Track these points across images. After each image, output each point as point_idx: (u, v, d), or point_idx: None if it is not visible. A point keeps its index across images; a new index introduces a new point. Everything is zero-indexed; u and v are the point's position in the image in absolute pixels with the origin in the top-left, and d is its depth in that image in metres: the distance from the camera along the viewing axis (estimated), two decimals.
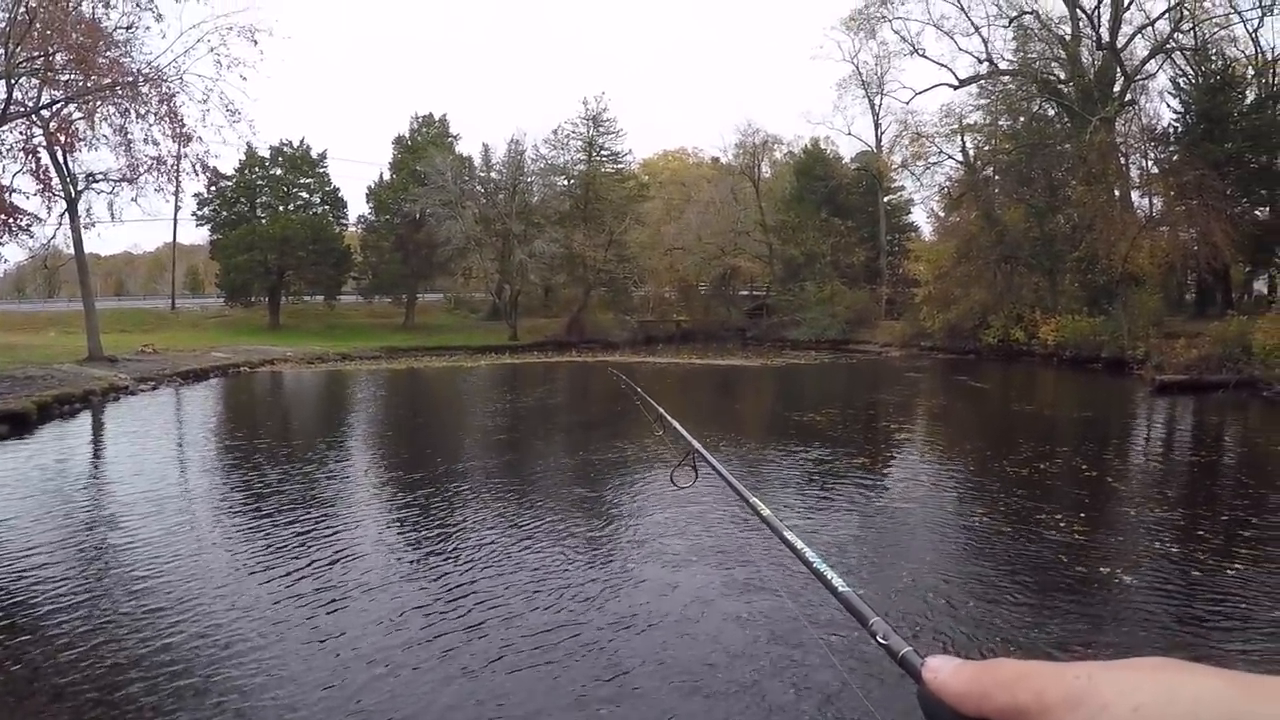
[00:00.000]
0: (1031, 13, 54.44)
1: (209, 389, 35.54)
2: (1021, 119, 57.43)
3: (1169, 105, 53.58)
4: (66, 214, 36.14)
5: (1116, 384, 37.33)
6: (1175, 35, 50.02)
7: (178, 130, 34.71)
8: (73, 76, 32.43)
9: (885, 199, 75.44)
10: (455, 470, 18.35)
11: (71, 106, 33.65)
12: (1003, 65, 57.10)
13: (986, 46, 56.91)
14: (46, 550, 12.10)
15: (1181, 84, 51.60)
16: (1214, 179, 43.31)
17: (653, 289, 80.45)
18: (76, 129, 33.71)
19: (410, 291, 72.52)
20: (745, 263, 77.94)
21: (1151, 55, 52.24)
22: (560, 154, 73.10)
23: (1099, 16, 52.30)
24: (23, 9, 29.73)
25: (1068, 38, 53.68)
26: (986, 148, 60.10)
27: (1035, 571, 11.28)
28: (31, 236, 34.35)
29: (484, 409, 30.62)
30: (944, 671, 0.76)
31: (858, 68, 69.69)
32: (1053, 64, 55.74)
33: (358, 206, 79.67)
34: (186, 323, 65.68)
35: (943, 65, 60.44)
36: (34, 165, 33.00)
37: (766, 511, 1.90)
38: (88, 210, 37.09)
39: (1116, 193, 50.09)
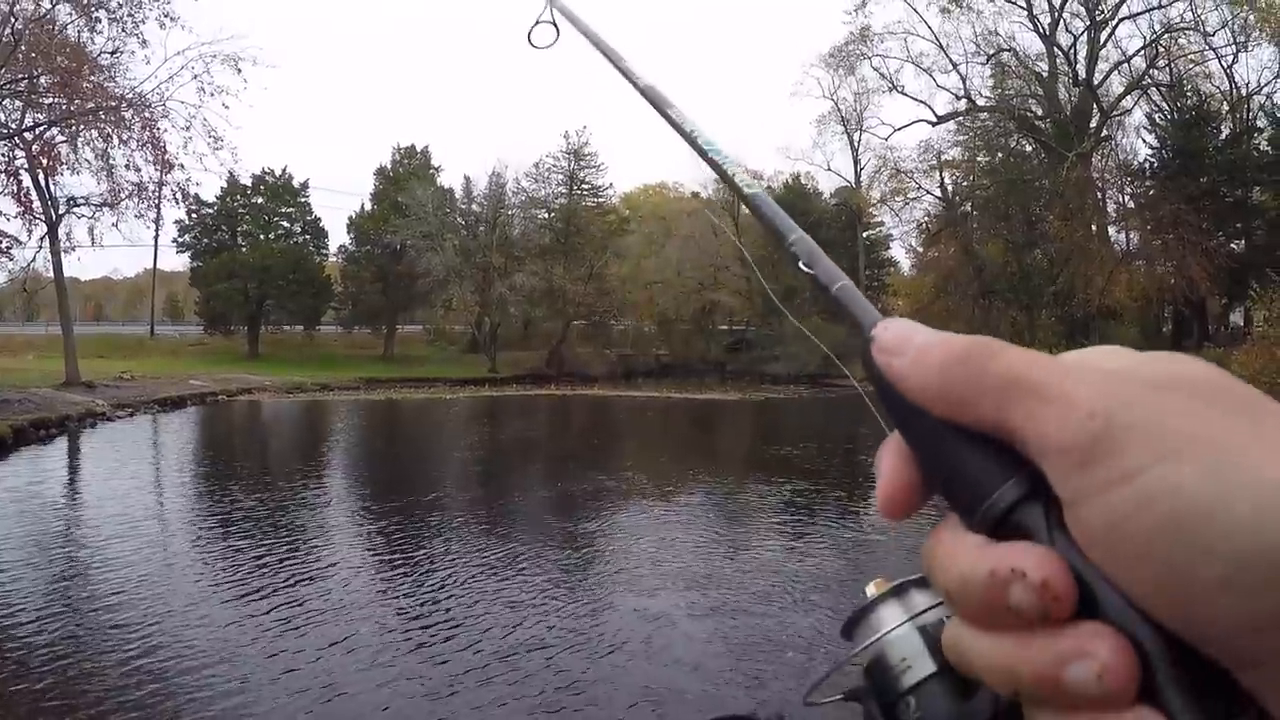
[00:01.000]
0: (1009, 50, 54.93)
1: (186, 417, 35.16)
2: (999, 155, 57.86)
3: (1145, 141, 54.20)
4: (46, 237, 35.75)
5: None
6: (1151, 72, 50.48)
7: (160, 156, 34.55)
8: (56, 100, 32.26)
9: (864, 234, 75.34)
10: (430, 501, 18.13)
11: (54, 129, 33.42)
12: (980, 102, 57.49)
13: (965, 83, 57.30)
14: (13, 571, 12.05)
15: (1157, 119, 52.12)
16: (1190, 213, 43.64)
17: (632, 322, 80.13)
18: (59, 152, 33.45)
19: (390, 322, 72.09)
20: (725, 297, 77.90)
21: (1127, 91, 52.68)
22: (541, 187, 72.89)
23: (1076, 54, 52.85)
24: (8, 31, 29.66)
25: (1045, 75, 54.11)
26: (965, 183, 60.44)
27: None
28: (11, 259, 34.13)
29: (462, 441, 30.37)
30: (903, 356, 0.51)
31: (837, 104, 69.72)
32: (1030, 100, 56.12)
33: (338, 236, 79.28)
34: (165, 350, 64.91)
35: (921, 102, 60.45)
36: (15, 188, 32.79)
37: (643, 82, 1.26)
38: (68, 234, 36.68)
39: (1093, 227, 50.43)
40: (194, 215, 61.48)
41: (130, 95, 34.35)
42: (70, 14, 33.54)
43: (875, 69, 61.42)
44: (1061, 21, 52.84)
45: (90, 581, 11.67)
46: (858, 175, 72.95)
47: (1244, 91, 49.90)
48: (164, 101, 35.25)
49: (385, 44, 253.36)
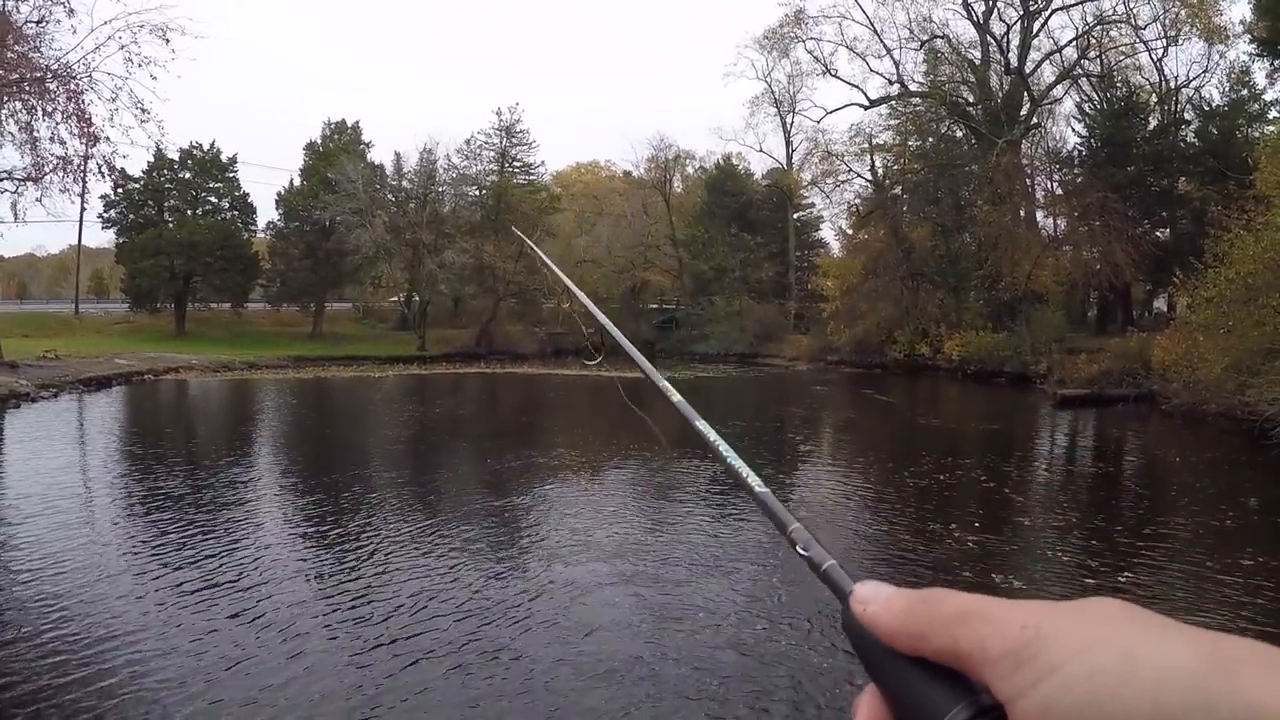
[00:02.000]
0: (943, 37, 55.28)
1: (112, 397, 34.32)
2: (930, 140, 58.24)
3: (1074, 129, 55.12)
4: None
5: (1020, 398, 37.82)
6: (1082, 62, 51.16)
7: (85, 129, 33.68)
8: None
9: (795, 215, 75.71)
10: (356, 478, 17.77)
11: None
12: (913, 87, 57.79)
13: (898, 68, 57.60)
14: None
15: (1087, 109, 52.97)
16: (1116, 201, 44.26)
17: (563, 301, 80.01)
18: None
19: (319, 300, 71.07)
20: (655, 276, 78.05)
21: (1058, 81, 53.39)
22: (472, 164, 72.17)
23: (1008, 42, 53.30)
24: None
25: (977, 62, 54.57)
26: (895, 167, 60.71)
27: (929, 578, 11.23)
28: None
29: (392, 419, 30.04)
30: (875, 604, 0.66)
31: (770, 86, 70.05)
32: (962, 87, 56.54)
33: (267, 212, 77.91)
34: (90, 328, 63.29)
35: (854, 86, 60.67)
36: None
37: (677, 398, 1.66)
38: None
39: (1021, 213, 50.93)
40: (120, 190, 60.22)
41: (56, 66, 33.49)
42: None
43: (809, 52, 61.75)
44: (995, 10, 53.33)
45: (7, 559, 11.50)
46: (790, 157, 73.51)
47: (1173, 84, 50.77)
48: (90, 73, 34.29)
49: (315, 16, 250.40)
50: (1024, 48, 52.36)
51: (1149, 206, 47.92)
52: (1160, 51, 49.97)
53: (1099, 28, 49.88)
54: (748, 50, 67.97)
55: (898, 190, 60.34)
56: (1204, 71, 49.69)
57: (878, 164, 61.35)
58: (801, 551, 0.95)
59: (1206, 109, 48.40)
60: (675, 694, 7.89)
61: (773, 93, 70.28)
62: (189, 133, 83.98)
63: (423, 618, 9.47)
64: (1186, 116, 49.84)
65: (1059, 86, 53.92)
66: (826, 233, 79.74)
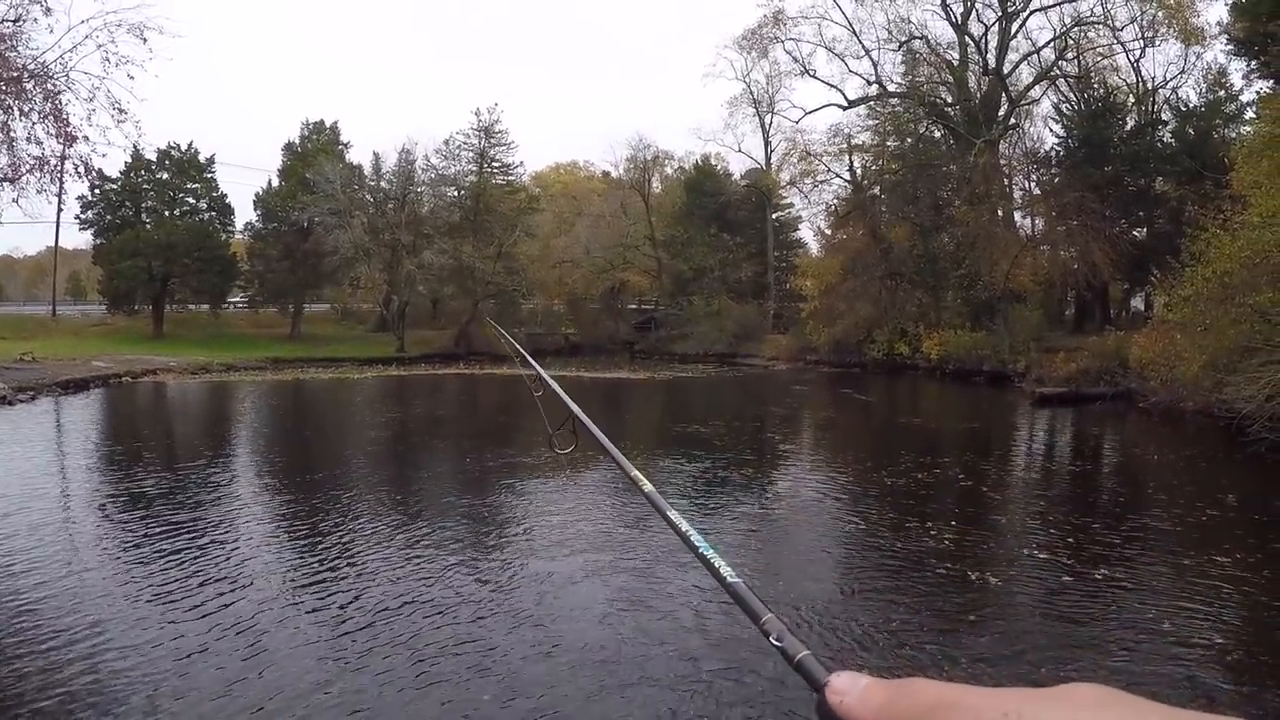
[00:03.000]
0: (921, 38, 55.37)
1: (90, 399, 34.03)
2: (909, 140, 58.32)
3: (1052, 130, 55.32)
4: None
5: (998, 396, 37.94)
6: (1060, 63, 51.30)
7: (62, 129, 33.40)
8: None
9: (774, 216, 75.90)
10: (339, 480, 17.75)
11: None
12: (892, 88, 57.88)
13: (876, 69, 57.69)
14: None
15: (1064, 110, 53.09)
16: (1094, 201, 44.43)
17: (541, 301, 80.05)
18: None
19: (297, 301, 71.06)
20: (634, 276, 78.06)
21: (1036, 81, 53.51)
22: (451, 165, 72.14)
23: (986, 43, 53.49)
24: None
25: (956, 63, 54.67)
26: (874, 167, 60.88)
27: (906, 575, 11.36)
28: None
29: (371, 421, 29.89)
30: (851, 695, 0.67)
31: (749, 86, 70.17)
32: (940, 88, 56.69)
33: (245, 213, 77.82)
34: (67, 330, 62.93)
35: (833, 86, 60.77)
36: None
37: (648, 487, 1.63)
38: None
39: (999, 213, 51.15)
40: (97, 190, 60.02)
41: (33, 65, 33.24)
42: None
43: (788, 52, 61.73)
44: (973, 11, 53.47)
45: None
46: (768, 157, 73.57)
47: (1150, 85, 51.08)
48: (67, 72, 34.00)
49: (294, 15, 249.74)
50: (1002, 49, 52.52)
51: (1126, 206, 48.07)
52: (1138, 53, 50.30)
53: (1077, 29, 50.05)
54: (727, 51, 68.51)
55: (876, 190, 60.55)
56: (1181, 72, 50.10)
57: (856, 164, 61.57)
58: (775, 642, 0.95)
59: (1183, 110, 48.62)
60: (646, 678, 7.94)
61: (751, 93, 70.48)
62: (166, 133, 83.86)
63: (397, 612, 9.50)
64: (1164, 117, 50.07)
65: (1037, 87, 54.07)
66: (805, 233, 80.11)
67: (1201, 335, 26.46)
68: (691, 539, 1.28)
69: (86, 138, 34.05)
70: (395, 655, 8.39)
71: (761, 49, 63.45)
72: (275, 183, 71.07)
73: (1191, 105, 48.56)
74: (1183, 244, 30.45)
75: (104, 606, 9.68)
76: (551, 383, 3.24)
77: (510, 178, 74.90)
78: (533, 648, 8.53)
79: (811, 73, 61.02)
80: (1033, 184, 56.31)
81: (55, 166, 34.68)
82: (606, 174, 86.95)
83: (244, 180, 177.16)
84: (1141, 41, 49.31)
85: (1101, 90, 50.93)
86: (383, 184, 69.98)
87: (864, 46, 57.12)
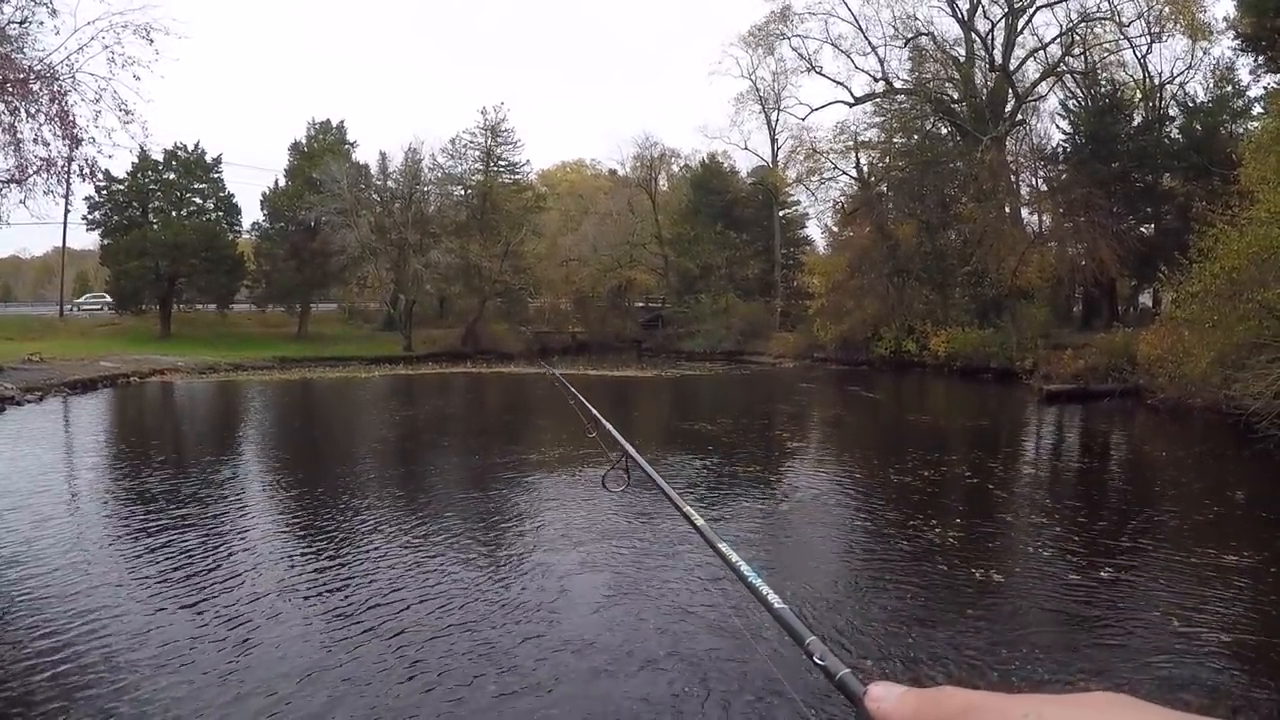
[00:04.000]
0: (927, 34, 55.37)
1: (98, 399, 34.10)
2: (915, 137, 58.35)
3: (1059, 126, 55.20)
4: None
5: (1006, 393, 37.89)
6: (1066, 59, 51.21)
7: (69, 130, 33.37)
8: None
9: (780, 213, 75.75)
10: (349, 480, 17.78)
11: None
12: (898, 84, 57.82)
13: (883, 66, 57.62)
14: None
15: (1071, 106, 53.02)
16: (1101, 197, 44.42)
17: (548, 300, 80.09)
18: None
19: (304, 301, 70.89)
20: (641, 275, 78.14)
21: (1043, 78, 53.42)
22: (458, 164, 72.33)
23: (993, 39, 53.40)
24: None
25: (962, 59, 54.63)
26: (880, 164, 60.83)
27: (914, 571, 11.37)
28: None
29: (380, 420, 29.91)
30: (887, 701, 0.73)
31: (755, 84, 70.05)
32: (947, 84, 56.60)
33: (252, 213, 77.85)
34: (75, 330, 62.76)
35: (839, 83, 60.67)
36: None
37: (700, 521, 1.71)
38: None
39: (1006, 209, 51.03)
40: (104, 191, 60.05)
41: (39, 67, 33.24)
42: None
43: (794, 49, 61.66)
44: (980, 8, 53.32)
45: (4, 568, 11.26)
46: (775, 154, 73.37)
47: (1157, 81, 50.91)
48: (73, 73, 33.95)
49: (301, 16, 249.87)
50: (1008, 45, 52.46)
51: (1133, 202, 48.11)
52: (1144, 48, 50.13)
53: (1083, 25, 49.95)
54: (733, 48, 68.30)
55: (883, 187, 60.48)
56: (1188, 68, 49.93)
57: (863, 161, 61.49)
58: (818, 661, 1.05)
59: (1190, 105, 48.50)
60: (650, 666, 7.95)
61: (758, 90, 70.37)
62: (173, 133, 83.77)
63: (402, 607, 9.54)
64: (1170, 113, 50.02)
65: (1043, 83, 54.01)
66: (812, 230, 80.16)
67: (1209, 331, 26.41)
68: (741, 569, 1.36)
69: (93, 139, 34.06)
70: (400, 648, 8.44)
71: (768, 46, 63.47)
72: (282, 182, 70.89)
73: (1199, 101, 48.46)
74: (1190, 240, 30.40)
75: (107, 596, 9.83)
76: (608, 426, 3.32)
77: (517, 176, 75.04)
78: (551, 648, 8.51)
79: (818, 70, 61.01)
80: (1039, 180, 56.39)
81: (62, 168, 34.59)
82: (613, 172, 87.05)
83: (251, 180, 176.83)
84: (1148, 37, 49.17)
85: (1108, 86, 50.87)
86: (389, 183, 69.97)
87: (870, 43, 57.13)
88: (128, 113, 34.59)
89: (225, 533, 12.95)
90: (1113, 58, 51.44)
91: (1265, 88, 39.78)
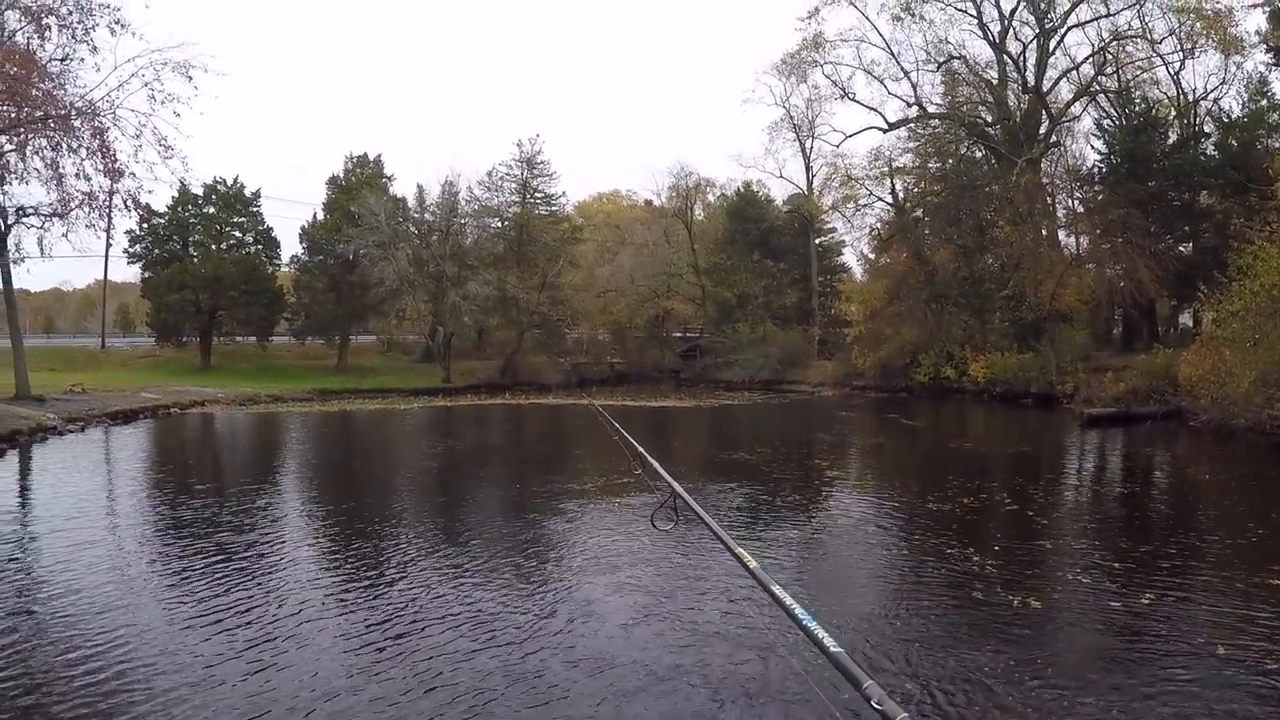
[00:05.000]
0: (959, 58, 55.21)
1: (139, 430, 34.37)
2: (950, 161, 58.16)
3: (1093, 146, 54.80)
4: None
5: (1047, 418, 37.65)
6: (1099, 79, 50.98)
7: (110, 165, 33.78)
8: (5, 108, 31.51)
9: (817, 241, 75.67)
10: (392, 513, 17.75)
11: (3, 138, 32.68)
12: (931, 109, 57.69)
13: (915, 91, 57.43)
14: None
15: (1105, 125, 52.69)
16: (1138, 217, 44.09)
17: (586, 331, 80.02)
18: (8, 161, 32.79)
19: (343, 333, 71.48)
20: (678, 304, 78.18)
21: (1076, 98, 53.28)
22: (494, 196, 72.77)
23: (1025, 61, 53.21)
24: None
25: (995, 82, 54.52)
26: (916, 189, 60.77)
27: (945, 599, 11.33)
28: None
29: (419, 450, 30.00)
30: None
31: (789, 111, 69.88)
32: (980, 107, 56.54)
33: (291, 246, 78.84)
34: (116, 362, 63.87)
35: (873, 109, 60.53)
36: None
37: (753, 564, 1.72)
38: (17, 245, 35.89)
39: (1043, 232, 50.81)
40: (145, 225, 60.79)
41: (80, 103, 33.71)
42: (19, 21, 33.01)
43: (827, 76, 61.45)
44: (1011, 30, 53.25)
45: (42, 588, 11.59)
46: (810, 182, 73.25)
47: (1191, 97, 50.54)
48: (114, 109, 34.52)
49: (339, 52, 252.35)
50: (1041, 66, 52.29)
51: (1171, 221, 47.66)
52: (1177, 65, 49.79)
53: (1115, 43, 49.69)
54: (765, 76, 68.08)
55: (919, 213, 60.43)
56: (1221, 83, 49.50)
57: (898, 187, 61.45)
58: (876, 706, 1.08)
59: (1225, 121, 48.01)
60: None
61: (791, 118, 70.24)
62: (212, 168, 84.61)
63: (437, 631, 9.62)
64: (1206, 129, 49.52)
65: (1077, 104, 53.84)
66: (849, 257, 79.78)
67: (1251, 350, 26.22)
68: (796, 612, 1.38)
69: (133, 174, 34.58)
70: (434, 672, 8.45)
71: (801, 74, 63.30)
72: (320, 216, 71.64)
73: (1233, 116, 47.98)
74: (1229, 258, 30.17)
75: (139, 616, 10.10)
76: (655, 464, 3.34)
77: (553, 208, 75.49)
78: (588, 676, 8.46)
79: (851, 96, 60.90)
80: (1076, 202, 56.04)
81: (103, 202, 35.24)
82: (649, 203, 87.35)
83: (289, 214, 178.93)
84: (1180, 53, 48.85)
85: (1142, 104, 50.52)
86: (427, 216, 70.35)
87: (903, 68, 56.97)
88: (168, 148, 35.21)
89: (261, 558, 13.16)
90: (1145, 75, 51.19)
91: None
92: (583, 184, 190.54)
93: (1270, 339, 25.28)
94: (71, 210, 34.28)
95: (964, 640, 9.58)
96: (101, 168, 33.61)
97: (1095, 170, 52.72)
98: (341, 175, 72.79)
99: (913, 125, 59.06)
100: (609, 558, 13.27)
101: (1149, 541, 14.61)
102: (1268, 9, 41.31)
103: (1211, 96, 50.17)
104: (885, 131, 59.91)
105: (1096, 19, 50.24)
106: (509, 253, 70.42)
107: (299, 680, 8.28)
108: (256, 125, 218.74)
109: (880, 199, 62.11)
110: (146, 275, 67.19)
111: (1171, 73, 50.31)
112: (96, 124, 33.43)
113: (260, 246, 68.78)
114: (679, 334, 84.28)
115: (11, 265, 35.96)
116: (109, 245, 68.57)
